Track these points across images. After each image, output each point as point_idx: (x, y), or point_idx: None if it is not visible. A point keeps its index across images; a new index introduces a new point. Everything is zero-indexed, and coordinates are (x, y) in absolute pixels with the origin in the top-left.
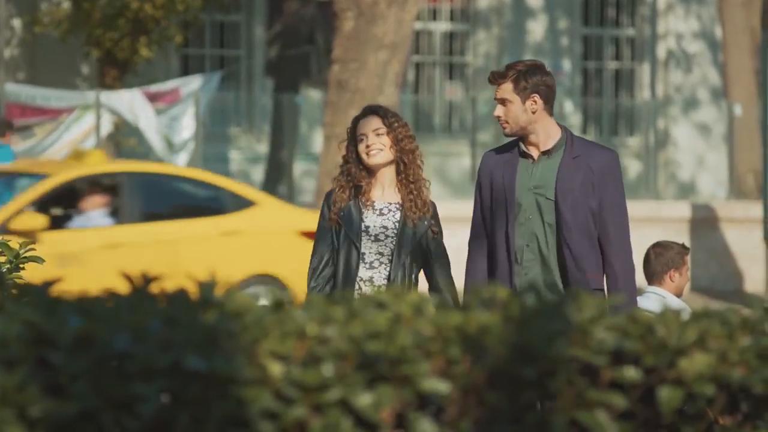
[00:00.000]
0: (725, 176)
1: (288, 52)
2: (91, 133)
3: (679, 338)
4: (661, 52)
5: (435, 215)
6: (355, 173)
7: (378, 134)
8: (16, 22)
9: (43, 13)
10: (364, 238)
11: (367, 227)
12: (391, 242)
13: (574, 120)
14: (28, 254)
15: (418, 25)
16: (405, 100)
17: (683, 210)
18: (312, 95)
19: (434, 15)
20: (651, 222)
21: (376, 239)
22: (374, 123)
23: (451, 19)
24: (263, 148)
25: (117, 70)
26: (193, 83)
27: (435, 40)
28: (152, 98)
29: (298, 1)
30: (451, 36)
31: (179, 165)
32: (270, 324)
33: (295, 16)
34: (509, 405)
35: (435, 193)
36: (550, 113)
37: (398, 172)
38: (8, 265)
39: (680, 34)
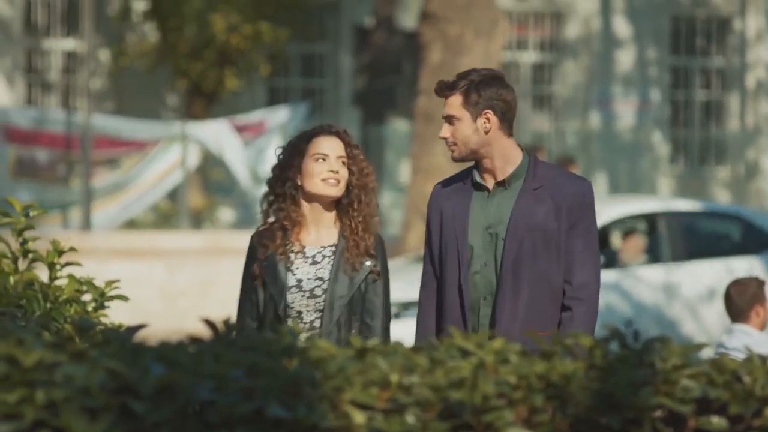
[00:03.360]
0: None
1: (375, 83)
2: (177, 165)
3: (765, 386)
4: (750, 81)
5: (381, 252)
6: (289, 206)
7: (342, 162)
8: (103, 54)
9: (129, 45)
10: (297, 295)
11: (299, 281)
12: (327, 297)
13: (663, 151)
14: (113, 293)
15: (506, 56)
16: None
17: None
18: (399, 126)
19: (522, 46)
20: None
21: (312, 295)
22: (338, 148)
23: (540, 49)
24: None
25: (203, 101)
26: (279, 114)
27: (522, 70)
28: (239, 129)
29: (385, 32)
30: (538, 66)
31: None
32: (353, 372)
33: (381, 47)
34: None
35: None
36: (509, 134)
37: (346, 212)
38: (93, 303)
39: None
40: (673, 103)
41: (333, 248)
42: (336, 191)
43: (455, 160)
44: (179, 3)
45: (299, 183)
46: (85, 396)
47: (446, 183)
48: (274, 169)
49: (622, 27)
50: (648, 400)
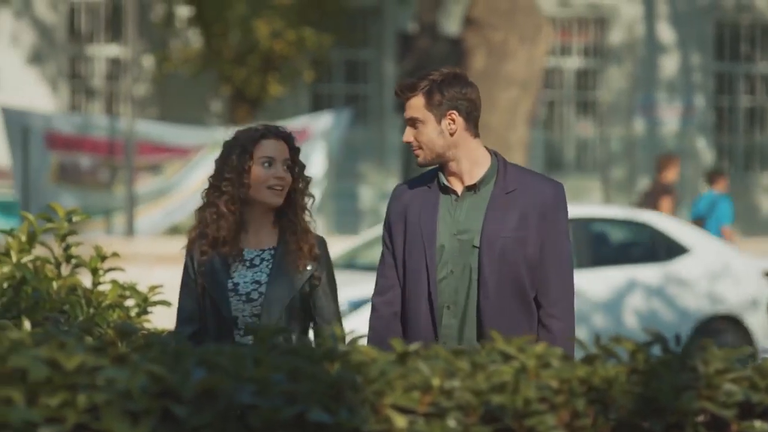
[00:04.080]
0: None
1: None
2: None
3: None
4: None
5: (325, 254)
6: (229, 209)
7: (287, 167)
8: (147, 60)
9: (172, 51)
10: (234, 299)
11: (236, 284)
12: (264, 300)
13: (707, 157)
14: (155, 298)
15: (550, 62)
16: (536, 137)
17: None
18: None
19: (566, 51)
20: None
21: (249, 299)
22: (284, 151)
23: (584, 55)
24: (394, 184)
25: (247, 107)
26: (322, 120)
27: (566, 76)
28: None
29: (429, 38)
30: (582, 72)
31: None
32: (394, 376)
33: (425, 53)
34: None
35: None
36: (475, 134)
37: (286, 215)
38: (136, 309)
39: None
40: (718, 109)
41: (272, 251)
42: (280, 200)
43: (421, 165)
44: (223, 9)
45: (244, 185)
46: (127, 400)
47: (410, 185)
48: (217, 167)
49: (665, 32)
50: (690, 404)
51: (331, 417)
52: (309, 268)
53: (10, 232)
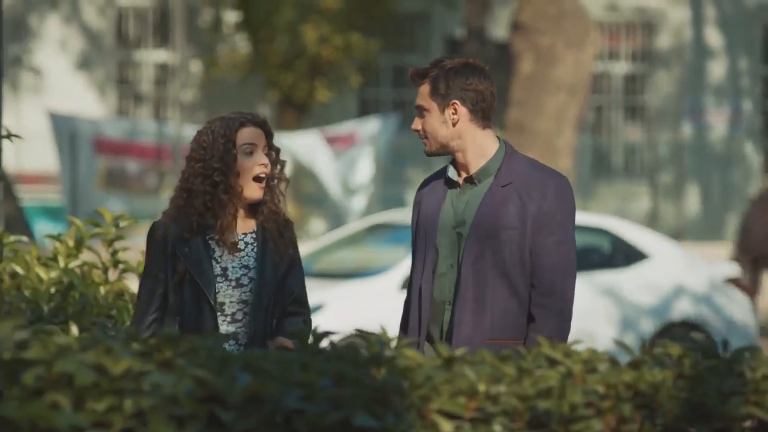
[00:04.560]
0: None
1: None
2: None
3: None
4: None
5: (294, 240)
6: (229, 199)
7: (265, 153)
8: (194, 65)
9: (220, 56)
10: (223, 284)
11: (224, 269)
12: (255, 285)
13: (755, 161)
14: None
15: (597, 67)
16: (584, 142)
17: None
18: None
19: (614, 56)
20: None
21: (239, 284)
22: (262, 138)
23: (632, 59)
24: None
25: (294, 112)
26: (370, 125)
27: (614, 81)
28: (329, 141)
29: (476, 43)
30: (630, 77)
31: (355, 209)
32: (440, 381)
33: (472, 57)
34: None
35: None
36: (483, 126)
37: (264, 202)
38: None
39: None
40: (766, 113)
41: (254, 235)
42: (262, 194)
43: (427, 154)
44: (270, 14)
45: (235, 175)
46: (173, 405)
47: (429, 178)
48: (201, 157)
49: (713, 37)
50: (738, 409)
51: (377, 422)
52: (291, 250)
53: (57, 237)
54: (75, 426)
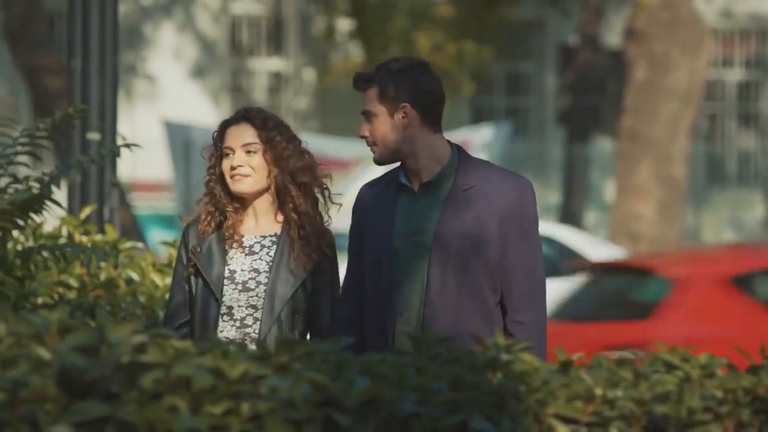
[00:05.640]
0: None
1: (579, 101)
2: None
3: None
4: None
5: (331, 249)
6: (220, 198)
7: (249, 152)
8: (308, 73)
9: (333, 64)
10: (229, 287)
11: (233, 272)
12: (264, 290)
13: None
14: None
15: (711, 74)
16: (698, 150)
17: None
18: (603, 145)
19: (728, 63)
20: None
21: (245, 288)
22: (247, 135)
23: (746, 67)
24: (555, 198)
25: None
26: (483, 132)
27: (728, 89)
28: None
29: (590, 51)
30: (744, 85)
31: None
32: (557, 385)
33: (586, 65)
34: None
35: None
36: (435, 130)
37: (280, 202)
38: None
39: None
40: None
41: (274, 238)
42: (244, 186)
43: (377, 162)
44: (384, 22)
45: (220, 176)
46: (290, 408)
47: (372, 184)
48: (210, 160)
49: None
50: None
51: (493, 426)
52: (317, 254)
53: (172, 244)
54: (193, 429)
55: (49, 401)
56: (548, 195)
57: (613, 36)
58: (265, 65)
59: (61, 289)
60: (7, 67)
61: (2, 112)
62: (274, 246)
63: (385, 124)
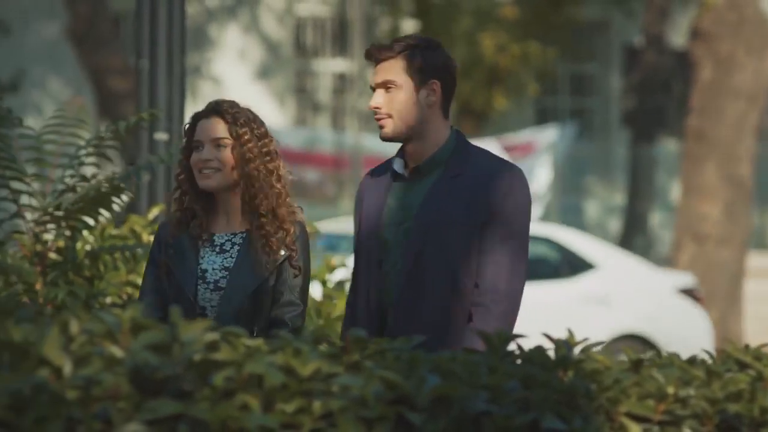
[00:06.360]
0: None
1: (644, 102)
2: None
3: None
4: None
5: (302, 244)
6: (190, 195)
7: (218, 146)
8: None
9: None
10: (201, 287)
11: (204, 271)
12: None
13: None
14: None
15: None
16: (763, 150)
17: None
18: (669, 146)
19: None
20: None
21: (217, 287)
22: (217, 129)
23: None
24: (620, 199)
25: (473, 120)
26: (547, 133)
27: None
28: (507, 149)
29: (655, 51)
30: None
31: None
32: (629, 384)
33: (651, 66)
34: None
35: None
36: (446, 115)
37: (244, 200)
38: None
39: None
40: None
41: (244, 235)
42: (212, 181)
43: (385, 137)
44: (448, 23)
45: (189, 171)
46: (362, 406)
47: (372, 172)
48: (182, 155)
49: None
50: None
51: (565, 425)
52: (282, 253)
53: None
54: (265, 427)
55: (121, 399)
56: (613, 196)
57: (678, 36)
58: (329, 66)
59: (129, 289)
60: (73, 67)
61: (73, 113)
62: (243, 243)
63: (409, 98)
